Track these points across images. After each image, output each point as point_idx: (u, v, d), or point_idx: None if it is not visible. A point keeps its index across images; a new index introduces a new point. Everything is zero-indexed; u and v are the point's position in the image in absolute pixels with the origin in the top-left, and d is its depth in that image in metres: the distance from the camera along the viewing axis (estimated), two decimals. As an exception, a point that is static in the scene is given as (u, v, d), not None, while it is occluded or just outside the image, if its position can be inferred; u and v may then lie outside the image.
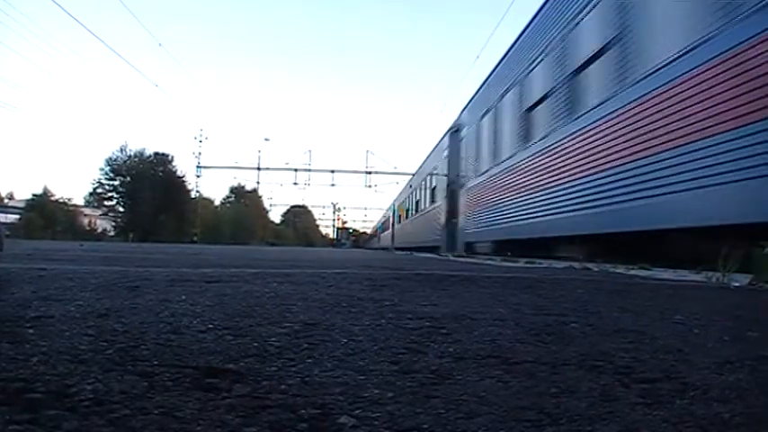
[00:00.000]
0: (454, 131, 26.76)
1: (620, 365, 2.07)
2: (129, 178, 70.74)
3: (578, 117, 12.40)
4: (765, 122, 6.90)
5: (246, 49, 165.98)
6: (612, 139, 10.70)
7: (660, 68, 9.21)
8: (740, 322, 3.33)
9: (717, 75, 7.78)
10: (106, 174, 71.41)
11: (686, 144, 8.39)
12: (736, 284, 6.01)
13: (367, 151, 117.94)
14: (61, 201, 69.73)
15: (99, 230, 71.17)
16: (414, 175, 46.43)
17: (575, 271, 8.51)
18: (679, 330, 2.91)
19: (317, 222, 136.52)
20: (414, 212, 41.06)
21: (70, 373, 1.67)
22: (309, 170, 75.14)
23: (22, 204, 67.63)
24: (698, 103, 8.19)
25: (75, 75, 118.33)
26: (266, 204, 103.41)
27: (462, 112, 25.99)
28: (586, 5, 12.10)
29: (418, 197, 38.89)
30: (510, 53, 18.54)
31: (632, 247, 10.70)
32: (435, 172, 31.22)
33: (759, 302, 4.50)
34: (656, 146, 9.22)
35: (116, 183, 71.71)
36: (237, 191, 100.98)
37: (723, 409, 1.59)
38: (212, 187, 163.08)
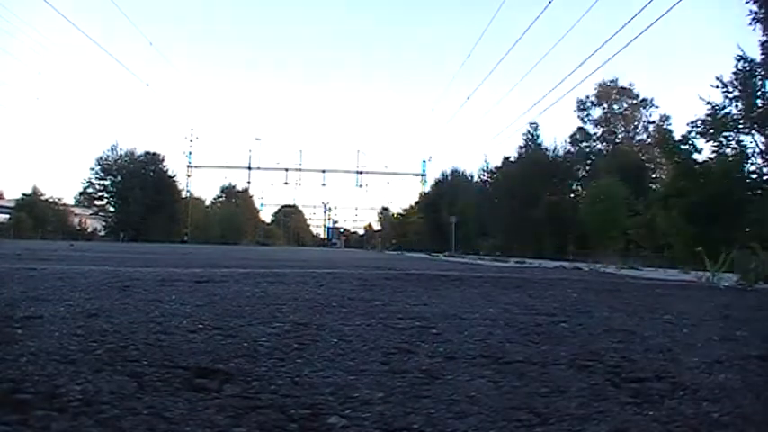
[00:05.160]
0: None
1: (611, 365, 2.07)
2: (119, 178, 70.12)
3: None
4: None
5: (237, 48, 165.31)
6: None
7: None
8: (729, 322, 3.35)
9: None
10: (96, 173, 70.83)
11: None
12: (726, 284, 6.05)
13: (358, 151, 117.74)
14: (51, 200, 69.06)
15: (89, 230, 70.57)
16: None
17: (565, 270, 8.54)
18: (669, 330, 2.93)
19: (308, 222, 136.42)
20: None
21: (59, 374, 1.66)
22: (300, 170, 75.36)
23: (11, 204, 67.07)
24: None
25: (66, 73, 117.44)
26: (257, 204, 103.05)
27: None
28: None
29: None
30: None
31: None
32: None
33: (748, 302, 4.53)
34: None
35: (106, 182, 71.08)
36: (228, 191, 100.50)
37: (712, 408, 1.60)
38: (203, 187, 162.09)
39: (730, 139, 27.45)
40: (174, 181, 75.83)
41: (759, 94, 26.74)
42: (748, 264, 6.28)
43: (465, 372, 1.92)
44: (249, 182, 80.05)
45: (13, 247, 16.34)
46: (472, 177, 61.77)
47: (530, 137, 47.71)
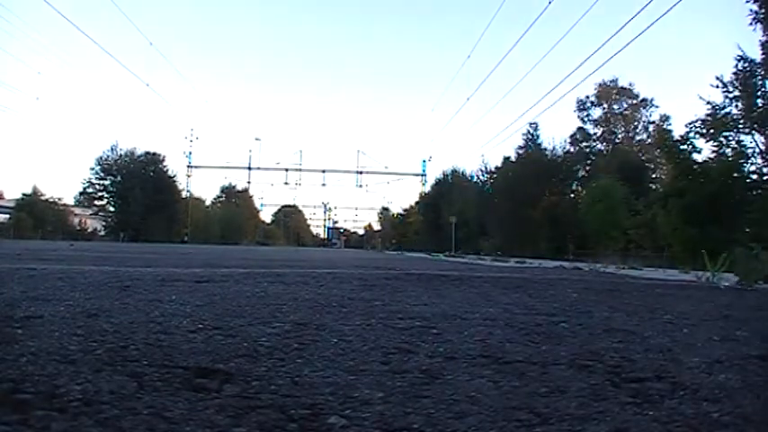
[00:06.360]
0: None
1: (611, 365, 2.07)
2: (119, 178, 70.00)
3: None
4: None
5: (237, 48, 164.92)
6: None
7: None
8: (729, 322, 3.35)
9: None
10: (97, 173, 70.71)
11: None
12: (726, 284, 6.05)
13: (358, 151, 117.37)
14: (51, 200, 68.96)
15: (89, 230, 70.48)
16: None
17: (565, 270, 8.54)
18: (669, 330, 2.93)
19: (308, 222, 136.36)
20: None
21: (59, 374, 1.66)
22: (300, 170, 75.25)
23: (11, 204, 66.98)
24: None
25: (66, 73, 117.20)
26: (257, 204, 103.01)
27: None
28: None
29: None
30: None
31: None
32: None
33: (747, 302, 4.53)
34: None
35: (107, 182, 70.96)
36: (228, 191, 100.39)
37: (712, 408, 1.60)
38: (203, 187, 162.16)
39: (730, 139, 27.46)
40: (174, 181, 75.85)
41: (759, 94, 26.75)
42: (749, 264, 6.28)
43: (465, 372, 1.92)
44: (249, 182, 79.94)
45: (13, 247, 16.34)
46: (472, 177, 61.80)
47: (529, 137, 47.79)
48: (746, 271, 6.15)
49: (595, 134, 52.39)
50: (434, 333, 2.62)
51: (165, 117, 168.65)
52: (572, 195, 45.58)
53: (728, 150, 27.41)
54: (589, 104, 52.14)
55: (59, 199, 70.91)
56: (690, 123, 28.44)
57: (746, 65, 26.86)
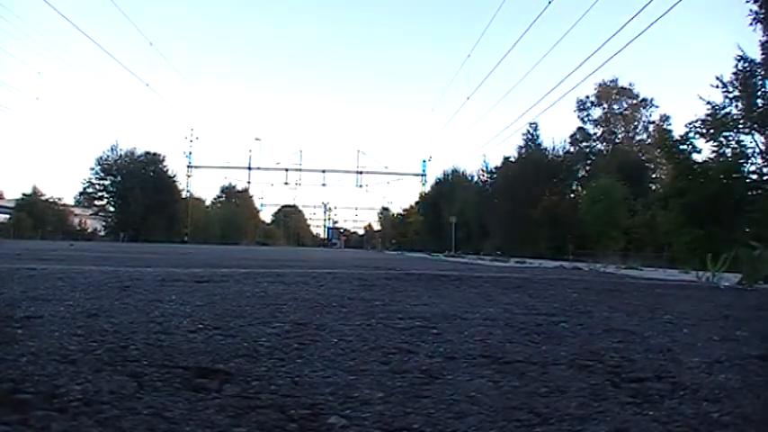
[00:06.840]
0: None
1: (611, 365, 2.07)
2: (119, 178, 69.95)
3: None
4: None
5: (237, 48, 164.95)
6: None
7: None
8: (729, 322, 3.35)
9: None
10: (97, 173, 70.70)
11: None
12: (726, 284, 6.05)
13: (358, 151, 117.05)
14: (51, 200, 68.90)
15: (89, 230, 70.45)
16: None
17: (565, 270, 8.54)
18: (669, 330, 2.93)
19: (308, 222, 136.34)
20: None
21: (59, 374, 1.66)
22: (300, 170, 75.28)
23: (11, 204, 66.93)
24: None
25: (66, 73, 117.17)
26: (257, 204, 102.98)
27: None
28: None
29: None
30: None
31: None
32: None
33: (747, 302, 4.53)
34: None
35: (107, 182, 70.92)
36: (228, 191, 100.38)
37: (712, 408, 1.60)
38: (203, 187, 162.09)
39: (730, 139, 27.49)
40: (174, 181, 75.89)
41: (759, 94, 26.77)
42: (754, 263, 6.28)
43: (465, 372, 1.92)
44: (249, 182, 79.93)
45: (13, 247, 16.35)
46: (472, 177, 61.84)
47: (529, 137, 47.80)
48: (752, 270, 6.14)
49: (595, 134, 52.54)
50: (434, 333, 2.62)
51: (165, 117, 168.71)
52: (572, 195, 45.59)
53: (728, 150, 27.45)
54: (589, 104, 52.27)
55: (59, 199, 70.94)
56: (690, 123, 28.52)
57: (746, 65, 26.90)
